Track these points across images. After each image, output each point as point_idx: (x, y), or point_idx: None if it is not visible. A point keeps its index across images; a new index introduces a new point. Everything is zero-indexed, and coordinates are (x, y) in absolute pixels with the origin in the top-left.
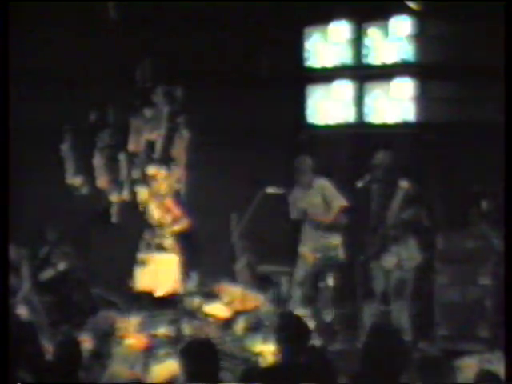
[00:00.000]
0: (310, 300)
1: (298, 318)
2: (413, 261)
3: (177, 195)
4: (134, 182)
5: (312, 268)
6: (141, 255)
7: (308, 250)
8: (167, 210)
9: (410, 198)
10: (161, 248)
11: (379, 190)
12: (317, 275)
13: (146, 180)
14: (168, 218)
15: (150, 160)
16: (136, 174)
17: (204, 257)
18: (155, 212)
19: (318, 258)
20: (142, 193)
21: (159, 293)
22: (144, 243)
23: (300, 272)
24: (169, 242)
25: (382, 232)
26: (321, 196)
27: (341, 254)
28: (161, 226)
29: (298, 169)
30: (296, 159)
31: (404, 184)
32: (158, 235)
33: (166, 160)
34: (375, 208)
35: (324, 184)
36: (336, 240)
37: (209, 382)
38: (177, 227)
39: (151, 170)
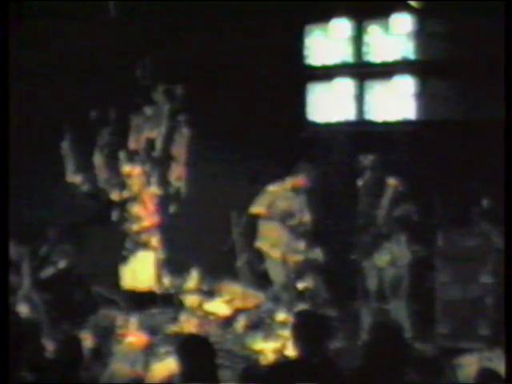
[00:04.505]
0: (298, 301)
1: (318, 317)
2: (405, 257)
3: (155, 192)
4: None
5: (294, 272)
6: (125, 253)
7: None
8: (143, 207)
9: (399, 195)
10: (142, 245)
11: (367, 189)
12: (298, 278)
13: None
14: (143, 214)
15: (150, 158)
16: (112, 174)
17: (204, 255)
18: (133, 208)
19: (299, 260)
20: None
21: (139, 290)
22: (129, 241)
23: (280, 276)
24: (150, 238)
25: (373, 230)
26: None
27: (321, 256)
28: (138, 222)
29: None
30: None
31: (392, 182)
32: (138, 232)
33: (166, 158)
34: (364, 207)
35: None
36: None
37: (205, 379)
38: (147, 223)
39: (126, 167)
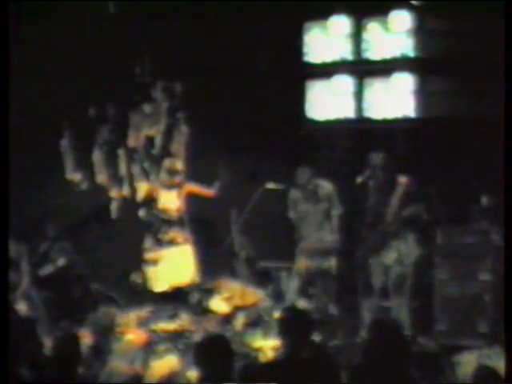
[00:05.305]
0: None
1: (302, 312)
2: (412, 256)
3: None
4: (133, 178)
5: (305, 276)
6: (150, 253)
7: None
8: (177, 200)
9: (409, 194)
10: (172, 242)
11: (377, 186)
12: (309, 282)
13: (147, 174)
14: (175, 208)
15: (149, 155)
16: (136, 169)
17: (203, 252)
18: (164, 203)
19: (313, 266)
20: (146, 187)
21: (177, 286)
22: (151, 240)
23: (295, 279)
24: (180, 234)
25: (381, 228)
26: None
27: (333, 264)
28: (169, 217)
29: (298, 178)
30: (297, 170)
31: (403, 180)
32: (168, 229)
33: (165, 155)
34: (373, 205)
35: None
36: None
37: (223, 381)
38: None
39: (168, 162)
